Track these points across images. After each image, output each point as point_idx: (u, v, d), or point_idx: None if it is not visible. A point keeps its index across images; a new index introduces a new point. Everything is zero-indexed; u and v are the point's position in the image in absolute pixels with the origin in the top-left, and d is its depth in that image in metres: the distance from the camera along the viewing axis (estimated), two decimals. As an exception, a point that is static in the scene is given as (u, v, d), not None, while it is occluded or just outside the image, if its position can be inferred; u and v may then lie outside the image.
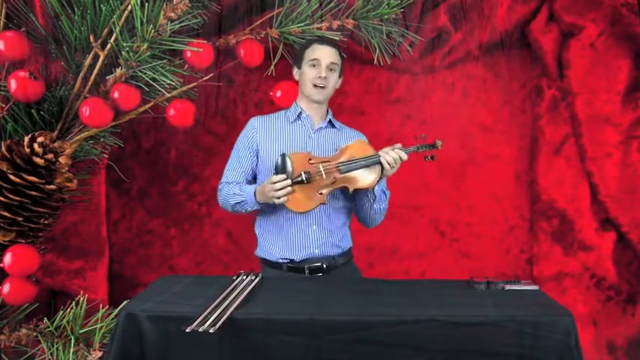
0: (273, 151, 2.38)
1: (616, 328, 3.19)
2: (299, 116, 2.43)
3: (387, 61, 2.83)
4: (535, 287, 2.13)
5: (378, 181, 2.27)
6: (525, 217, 3.24)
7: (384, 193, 2.37)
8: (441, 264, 3.24)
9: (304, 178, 2.21)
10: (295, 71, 2.45)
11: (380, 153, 2.23)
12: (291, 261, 2.39)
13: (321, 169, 2.24)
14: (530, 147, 3.20)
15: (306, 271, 2.38)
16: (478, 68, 3.14)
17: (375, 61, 2.81)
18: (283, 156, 2.26)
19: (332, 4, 2.66)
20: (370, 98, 3.16)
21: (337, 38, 2.61)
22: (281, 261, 2.40)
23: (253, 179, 2.44)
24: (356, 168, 2.25)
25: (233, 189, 2.36)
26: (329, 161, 2.27)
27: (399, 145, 2.25)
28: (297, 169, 2.24)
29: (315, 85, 2.36)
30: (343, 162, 2.25)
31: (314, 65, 2.36)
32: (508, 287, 2.11)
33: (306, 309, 1.88)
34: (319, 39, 2.49)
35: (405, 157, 2.22)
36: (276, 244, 2.40)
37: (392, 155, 2.20)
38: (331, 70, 2.37)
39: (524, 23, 3.10)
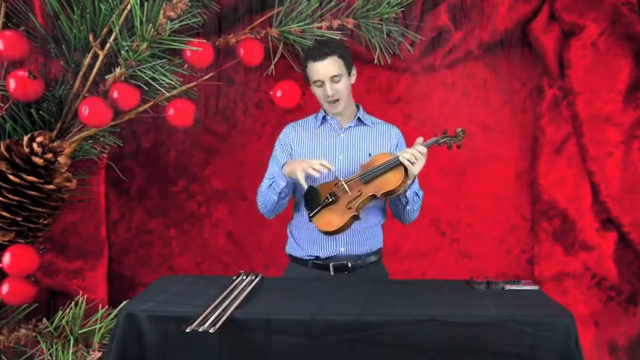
0: (304, 152, 2.42)
1: (617, 329, 3.18)
2: (325, 119, 2.45)
3: (388, 61, 2.82)
4: (535, 287, 2.13)
5: (407, 182, 2.25)
6: (526, 217, 3.23)
7: (417, 194, 2.36)
8: (442, 264, 3.24)
9: (330, 200, 2.26)
10: (310, 87, 2.43)
11: (398, 154, 2.22)
12: (317, 258, 2.40)
13: (344, 185, 2.26)
14: (531, 147, 3.19)
15: (331, 269, 2.39)
16: (479, 67, 3.14)
17: (376, 60, 2.79)
18: (309, 188, 2.29)
19: (332, 4, 2.64)
20: (371, 97, 3.15)
21: (336, 37, 2.59)
22: (307, 258, 2.42)
23: (292, 184, 2.42)
24: (379, 174, 2.25)
25: (262, 186, 2.42)
26: (353, 178, 2.29)
27: (419, 139, 2.24)
28: (324, 194, 2.28)
29: (328, 102, 2.36)
30: (364, 173, 2.27)
31: (319, 85, 2.35)
32: (508, 287, 2.11)
33: (307, 309, 1.88)
34: (313, 53, 2.37)
35: (423, 150, 2.20)
36: (303, 240, 2.42)
37: (410, 152, 2.19)
38: (336, 82, 2.33)
39: (525, 22, 3.10)
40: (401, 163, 2.21)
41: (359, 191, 2.25)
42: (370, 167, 2.27)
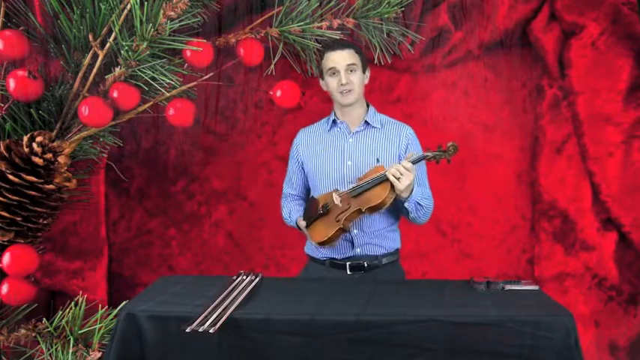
0: (314, 161, 2.46)
1: (617, 329, 3.17)
2: (334, 123, 2.46)
3: (388, 60, 2.82)
4: (535, 287, 2.12)
5: (393, 196, 2.24)
6: (527, 217, 3.23)
7: (419, 204, 2.35)
8: (443, 264, 3.24)
9: (322, 211, 2.30)
10: (321, 83, 2.46)
11: (386, 169, 2.22)
12: (334, 258, 2.43)
13: (335, 197, 2.29)
14: (531, 147, 3.19)
15: (348, 269, 2.40)
16: (479, 67, 3.13)
17: (376, 60, 2.79)
18: (310, 198, 2.39)
19: (332, 3, 2.64)
20: (371, 97, 3.10)
21: (337, 37, 2.59)
22: (324, 258, 2.45)
23: (308, 190, 2.54)
24: (366, 189, 2.26)
25: (285, 209, 2.55)
26: (346, 191, 2.31)
27: (408, 154, 2.28)
28: (319, 205, 2.34)
29: (341, 92, 2.36)
30: (355, 186, 2.28)
31: (333, 74, 2.36)
32: (508, 287, 2.11)
33: (306, 309, 1.88)
34: (330, 44, 2.45)
35: (408, 165, 2.19)
36: None
37: (395, 167, 2.19)
38: (351, 71, 2.35)
39: (525, 22, 3.09)
40: (387, 178, 2.21)
41: (348, 204, 2.28)
42: (361, 181, 2.29)
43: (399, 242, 2.52)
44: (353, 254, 2.41)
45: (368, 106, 2.48)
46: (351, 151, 2.41)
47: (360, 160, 2.39)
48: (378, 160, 2.37)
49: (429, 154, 2.28)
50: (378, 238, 2.42)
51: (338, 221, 2.27)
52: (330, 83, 2.38)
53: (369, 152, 2.40)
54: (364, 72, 2.41)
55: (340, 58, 2.35)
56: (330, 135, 2.46)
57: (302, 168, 2.50)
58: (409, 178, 2.19)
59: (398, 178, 2.19)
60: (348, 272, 2.40)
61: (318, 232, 2.32)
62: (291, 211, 2.49)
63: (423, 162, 2.44)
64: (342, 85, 2.34)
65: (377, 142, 2.42)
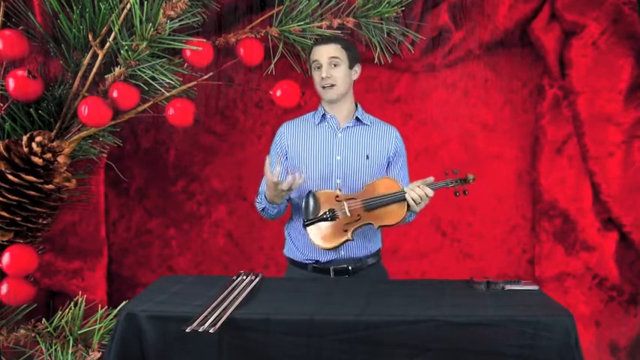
0: (300, 154, 2.40)
1: (618, 329, 3.17)
2: (324, 117, 2.43)
3: (388, 60, 2.81)
4: (535, 287, 2.12)
5: (406, 215, 2.26)
6: (527, 217, 3.23)
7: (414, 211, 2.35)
8: (443, 264, 3.23)
9: (328, 217, 2.25)
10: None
11: (405, 189, 2.21)
12: (317, 262, 2.39)
13: (345, 207, 2.25)
14: (532, 146, 3.19)
15: (332, 273, 2.38)
16: (479, 67, 3.13)
17: (376, 59, 2.79)
18: (309, 194, 2.29)
19: (332, 3, 2.64)
20: (371, 97, 3.15)
21: (339, 32, 2.59)
22: (307, 261, 2.41)
23: None
24: (381, 205, 2.24)
25: (258, 198, 2.41)
26: (355, 198, 2.27)
27: (429, 178, 2.23)
28: (323, 205, 2.27)
29: (323, 87, 2.35)
30: (368, 199, 2.25)
31: (317, 67, 2.35)
32: (508, 287, 2.10)
33: (306, 309, 1.87)
34: (317, 39, 2.45)
35: (430, 193, 2.19)
36: (302, 244, 2.41)
37: (417, 192, 2.18)
38: (335, 65, 2.33)
39: (525, 22, 3.09)
40: (404, 199, 2.20)
41: (358, 216, 2.25)
42: (375, 194, 2.25)
43: (380, 242, 2.50)
44: (337, 257, 2.38)
45: (356, 104, 2.46)
46: (341, 146, 2.39)
47: (349, 156, 2.37)
48: (367, 157, 2.36)
49: (451, 182, 2.27)
50: (364, 238, 2.40)
51: (346, 231, 2.24)
52: (314, 77, 2.37)
53: (359, 148, 2.39)
54: (351, 67, 2.37)
55: (324, 52, 2.33)
56: (319, 129, 2.42)
57: (286, 160, 2.44)
58: (426, 203, 2.21)
59: (417, 203, 2.19)
60: (332, 276, 2.38)
61: (321, 237, 2.27)
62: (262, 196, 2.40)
63: (405, 160, 2.45)
64: (322, 78, 2.32)
65: (367, 139, 2.41)
